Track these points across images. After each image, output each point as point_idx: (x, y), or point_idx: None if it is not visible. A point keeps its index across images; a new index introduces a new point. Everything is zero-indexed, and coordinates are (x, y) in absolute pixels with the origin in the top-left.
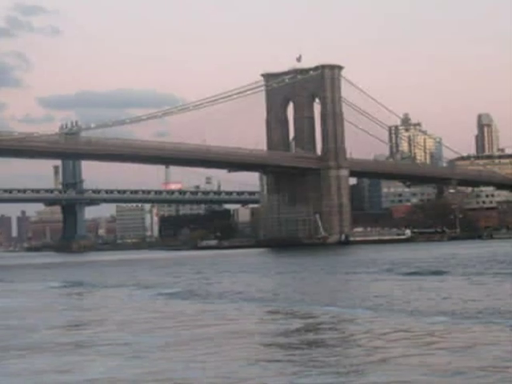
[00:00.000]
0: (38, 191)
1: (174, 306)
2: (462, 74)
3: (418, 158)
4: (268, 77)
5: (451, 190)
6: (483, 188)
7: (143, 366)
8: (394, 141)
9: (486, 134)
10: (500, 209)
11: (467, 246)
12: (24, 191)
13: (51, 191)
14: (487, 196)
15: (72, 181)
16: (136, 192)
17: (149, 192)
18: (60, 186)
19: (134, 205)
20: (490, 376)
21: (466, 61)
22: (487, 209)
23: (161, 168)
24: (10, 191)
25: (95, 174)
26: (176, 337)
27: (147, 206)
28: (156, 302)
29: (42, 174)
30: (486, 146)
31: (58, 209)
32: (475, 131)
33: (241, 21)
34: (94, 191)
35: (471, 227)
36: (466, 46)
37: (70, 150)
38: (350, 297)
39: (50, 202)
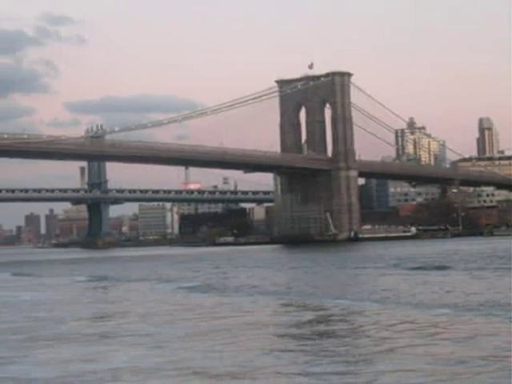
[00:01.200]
0: (65, 191)
1: (194, 299)
2: (463, 79)
3: (423, 159)
4: (282, 83)
5: (454, 190)
6: (484, 188)
7: (164, 355)
8: (400, 143)
9: (486, 137)
10: (500, 207)
11: (469, 243)
12: (52, 191)
13: (77, 191)
14: (488, 195)
15: (97, 181)
16: (157, 192)
17: (169, 192)
18: (86, 186)
19: (156, 204)
20: (491, 365)
21: (468, 67)
22: (488, 207)
23: (181, 169)
24: (39, 191)
25: (119, 175)
26: (195, 328)
27: (168, 205)
28: (176, 295)
29: (68, 174)
30: (487, 148)
31: (83, 207)
32: (476, 134)
33: (256, 30)
34: (118, 191)
35: (473, 225)
36: (467, 54)
37: (95, 152)
38: (359, 290)
39: (76, 201)
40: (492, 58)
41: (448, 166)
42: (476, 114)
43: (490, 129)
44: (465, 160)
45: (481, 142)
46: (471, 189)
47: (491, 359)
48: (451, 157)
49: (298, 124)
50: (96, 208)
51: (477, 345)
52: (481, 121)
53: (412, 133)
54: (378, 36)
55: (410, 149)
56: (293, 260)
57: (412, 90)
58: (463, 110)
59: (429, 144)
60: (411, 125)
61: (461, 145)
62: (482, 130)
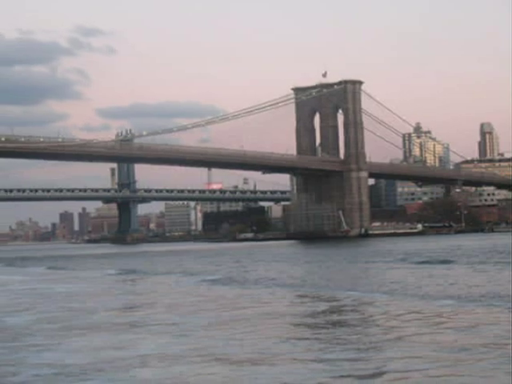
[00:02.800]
0: (96, 190)
1: (216, 291)
2: (466, 87)
3: (428, 161)
4: (297, 90)
5: (457, 190)
6: (485, 188)
7: (188, 343)
8: (407, 146)
9: (487, 141)
10: (500, 206)
11: (471, 239)
12: (84, 190)
13: (108, 190)
14: (488, 195)
15: (126, 181)
16: (182, 191)
17: (193, 191)
18: (116, 186)
19: (181, 202)
20: (492, 352)
21: (471, 75)
22: (489, 206)
23: (204, 170)
24: (73, 190)
25: (147, 176)
26: (217, 318)
27: (192, 204)
28: (200, 288)
29: (100, 175)
30: (488, 150)
31: (114, 206)
32: (478, 138)
33: (274, 41)
34: (146, 190)
35: (475, 222)
36: (470, 63)
37: (124, 155)
38: (369, 283)
39: (107, 200)
40: (493, 66)
41: (452, 167)
42: (478, 119)
43: (490, 133)
44: (467, 162)
45: (482, 145)
46: (473, 189)
47: (492, 346)
48: (455, 159)
49: (313, 129)
50: (125, 206)
51: (478, 333)
52: (482, 125)
53: (418, 137)
54: (388, 46)
55: (416, 151)
56: (308, 255)
57: (418, 97)
58: (466, 116)
59: (434, 147)
60: (418, 129)
61: (463, 148)
62: (483, 133)
